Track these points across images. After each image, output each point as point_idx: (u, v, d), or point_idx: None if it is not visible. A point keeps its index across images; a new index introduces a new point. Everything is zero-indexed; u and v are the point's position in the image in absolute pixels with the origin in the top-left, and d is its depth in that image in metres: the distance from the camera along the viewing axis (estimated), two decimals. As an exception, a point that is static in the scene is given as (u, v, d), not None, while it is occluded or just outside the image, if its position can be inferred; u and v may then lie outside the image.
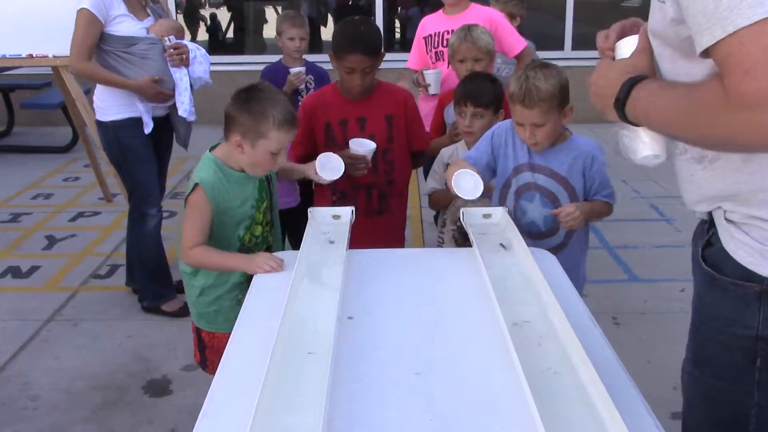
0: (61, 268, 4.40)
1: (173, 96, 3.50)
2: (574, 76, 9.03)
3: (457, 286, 2.02)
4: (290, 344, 1.67)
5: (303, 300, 1.87)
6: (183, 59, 3.45)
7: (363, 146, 2.71)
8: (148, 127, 3.49)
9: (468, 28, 3.32)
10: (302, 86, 4.03)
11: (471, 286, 1.99)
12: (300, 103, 3.08)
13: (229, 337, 2.25)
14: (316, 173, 2.59)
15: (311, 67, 4.13)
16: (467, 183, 2.28)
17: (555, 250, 2.33)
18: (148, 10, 3.49)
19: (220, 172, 2.29)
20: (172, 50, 3.40)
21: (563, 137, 2.45)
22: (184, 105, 3.52)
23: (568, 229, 2.40)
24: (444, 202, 2.94)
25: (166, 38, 3.40)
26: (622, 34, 1.50)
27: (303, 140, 2.90)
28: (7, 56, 4.45)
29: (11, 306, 3.91)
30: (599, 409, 1.37)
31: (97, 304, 3.94)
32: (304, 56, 4.15)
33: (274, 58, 4.31)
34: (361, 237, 2.35)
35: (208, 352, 2.51)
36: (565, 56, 7.99)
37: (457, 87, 3.01)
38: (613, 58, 1.52)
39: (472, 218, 2.29)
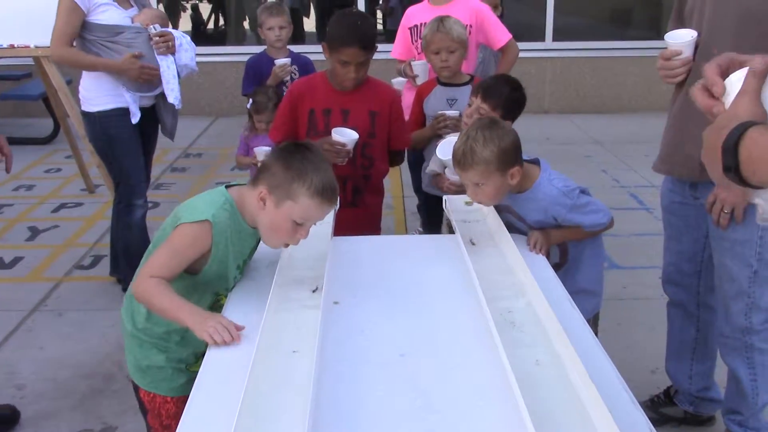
0: (45, 259, 4.40)
1: (158, 73, 3.48)
2: (555, 68, 9.10)
3: (440, 271, 2.07)
4: (278, 329, 1.71)
5: (289, 286, 1.91)
6: (169, 47, 3.45)
7: (345, 135, 2.75)
8: (135, 117, 3.48)
9: (441, 19, 3.31)
10: (287, 78, 4.05)
11: (453, 270, 2.04)
12: (288, 88, 3.10)
13: (174, 401, 1.99)
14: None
15: (296, 58, 4.15)
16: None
17: None
18: (132, 1, 3.48)
19: (232, 219, 1.90)
20: (158, 38, 3.40)
21: (525, 186, 2.27)
22: (174, 92, 3.51)
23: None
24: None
25: (151, 27, 3.40)
26: (725, 76, 1.11)
27: (285, 123, 2.94)
28: (-11, 46, 4.45)
29: (-5, 297, 3.91)
30: (577, 387, 1.43)
31: (81, 295, 3.95)
32: (289, 47, 4.17)
33: (256, 49, 4.33)
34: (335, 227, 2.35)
35: (150, 417, 2.07)
36: (546, 47, 8.05)
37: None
38: None
39: (454, 205, 2.33)
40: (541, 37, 8.10)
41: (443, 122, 3.09)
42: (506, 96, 2.78)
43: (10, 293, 3.94)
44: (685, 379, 2.73)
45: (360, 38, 2.71)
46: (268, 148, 3.41)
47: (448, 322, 1.77)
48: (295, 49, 4.26)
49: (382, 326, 1.76)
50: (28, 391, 3.08)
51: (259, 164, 3.68)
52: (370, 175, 2.96)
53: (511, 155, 2.16)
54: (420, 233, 4.16)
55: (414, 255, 2.20)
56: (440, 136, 3.10)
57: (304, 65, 4.13)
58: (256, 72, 4.18)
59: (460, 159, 2.17)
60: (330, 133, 2.79)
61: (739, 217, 2.20)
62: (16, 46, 4.43)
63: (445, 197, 2.42)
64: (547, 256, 2.23)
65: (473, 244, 2.18)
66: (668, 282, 2.70)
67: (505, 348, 1.51)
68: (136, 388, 2.06)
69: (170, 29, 3.54)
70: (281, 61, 4.03)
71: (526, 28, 8.08)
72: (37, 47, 4.41)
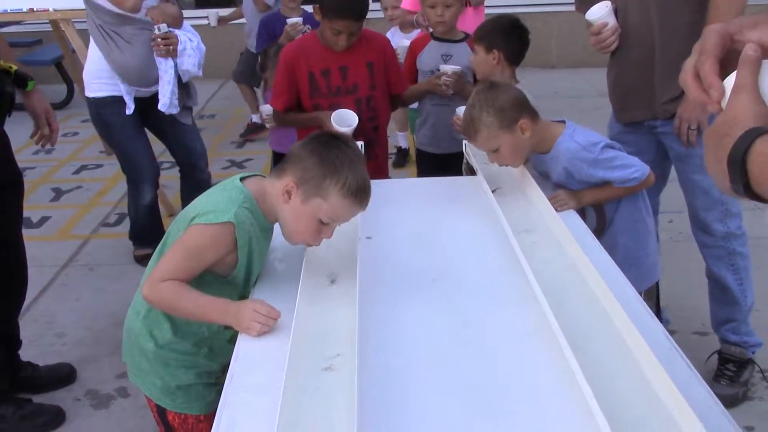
0: (71, 218, 4.55)
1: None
2: (562, 22, 9.03)
3: (464, 208, 2.20)
4: (318, 260, 1.84)
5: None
6: (170, 50, 3.32)
7: (345, 122, 2.75)
8: (130, 109, 3.43)
9: None
10: (299, 36, 4.13)
11: (478, 207, 2.17)
12: (281, 53, 3.06)
13: (207, 419, 1.82)
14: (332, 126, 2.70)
15: (309, 17, 4.23)
16: None
17: None
18: None
19: (253, 216, 1.71)
20: (159, 40, 3.28)
21: (548, 144, 2.24)
22: (164, 98, 3.40)
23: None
24: None
25: (156, 27, 3.28)
26: (723, 68, 0.97)
27: (285, 90, 2.94)
28: (8, 11, 4.52)
29: (27, 254, 4.04)
30: (601, 300, 1.56)
31: (109, 250, 4.11)
32: (303, 6, 4.25)
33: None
34: None
35: None
36: (552, 2, 8.05)
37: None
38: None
39: (475, 148, 2.45)
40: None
41: (443, 79, 3.02)
42: (494, 31, 2.83)
43: (41, 250, 4.08)
44: None
45: (354, 10, 2.74)
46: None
47: (474, 250, 1.92)
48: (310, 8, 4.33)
49: (413, 256, 1.90)
50: (68, 338, 3.24)
51: (266, 123, 3.76)
52: (378, 126, 3.03)
53: (511, 112, 2.13)
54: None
55: (438, 194, 2.33)
56: (435, 94, 3.11)
57: (317, 25, 4.20)
58: (269, 30, 4.27)
59: (466, 131, 2.20)
60: (331, 93, 2.87)
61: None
62: (35, 9, 4.50)
63: (465, 142, 2.53)
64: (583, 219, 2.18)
65: (494, 191, 2.25)
66: None
67: (530, 266, 1.65)
68: (162, 413, 1.85)
69: (179, 31, 3.39)
70: (293, 20, 4.11)
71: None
72: (55, 10, 4.49)
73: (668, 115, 2.48)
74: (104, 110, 3.46)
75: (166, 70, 3.34)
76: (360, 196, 1.68)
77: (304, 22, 4.16)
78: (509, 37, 2.87)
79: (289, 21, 4.12)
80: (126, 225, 4.36)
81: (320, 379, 1.38)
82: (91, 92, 3.48)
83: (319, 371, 1.40)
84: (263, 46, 4.30)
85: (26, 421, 2.63)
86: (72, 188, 5.05)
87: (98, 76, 3.41)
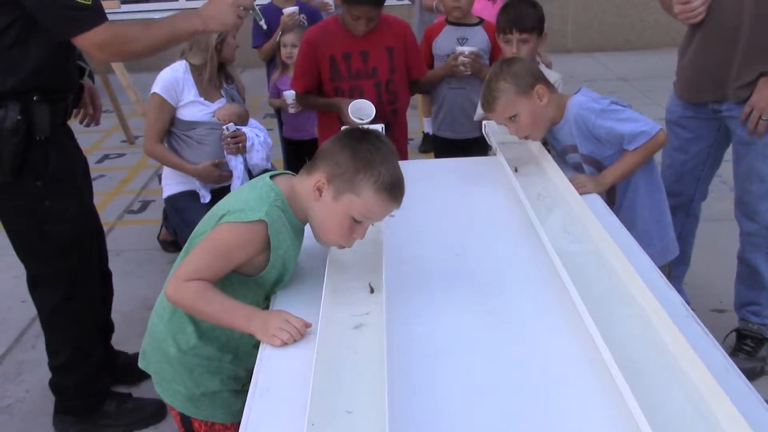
0: (96, 206, 4.61)
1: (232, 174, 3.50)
2: (578, 6, 9.01)
3: (485, 186, 2.26)
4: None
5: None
6: (239, 148, 3.42)
7: (363, 112, 2.82)
8: (205, 199, 3.50)
9: None
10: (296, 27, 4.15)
11: (497, 184, 2.23)
12: (303, 36, 3.15)
13: (234, 427, 1.74)
14: (349, 115, 2.76)
15: (303, 6, 4.25)
16: None
17: None
18: (222, 92, 3.47)
19: (285, 216, 1.65)
20: (228, 139, 3.39)
21: (561, 111, 2.25)
22: None
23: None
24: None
25: (225, 127, 3.38)
26: None
27: (307, 72, 3.03)
28: (31, 3, 4.58)
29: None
30: (618, 271, 1.62)
31: (134, 236, 4.20)
32: None
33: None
34: None
35: None
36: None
37: (499, 15, 2.92)
38: None
39: (493, 127, 2.50)
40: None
41: (461, 59, 3.06)
42: (536, 16, 2.81)
43: (68, 237, 4.18)
44: None
45: None
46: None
47: (495, 225, 1.98)
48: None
49: (436, 232, 1.97)
50: (98, 321, 3.32)
51: (289, 107, 3.85)
52: (397, 109, 3.08)
53: (526, 77, 2.17)
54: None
55: (458, 173, 2.39)
56: (453, 76, 3.14)
57: (312, 14, 4.21)
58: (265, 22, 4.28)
59: (485, 102, 2.22)
60: (351, 76, 2.93)
61: None
62: (57, 1, 4.56)
63: (483, 122, 2.58)
64: None
65: (516, 170, 2.28)
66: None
67: (547, 235, 1.72)
68: (187, 421, 1.78)
69: (246, 128, 3.47)
70: (289, 9, 4.11)
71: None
72: (78, 2, 4.54)
73: (739, 100, 2.44)
74: (177, 199, 3.51)
75: (236, 166, 3.45)
76: (394, 191, 1.61)
77: (300, 12, 4.17)
78: (542, 18, 2.86)
79: (286, 11, 4.11)
80: (150, 211, 4.49)
81: (352, 336, 1.46)
82: (167, 192, 3.55)
83: (350, 329, 1.48)
84: (261, 40, 4.29)
85: (129, 415, 2.70)
86: (95, 177, 5.11)
87: (174, 177, 3.50)
